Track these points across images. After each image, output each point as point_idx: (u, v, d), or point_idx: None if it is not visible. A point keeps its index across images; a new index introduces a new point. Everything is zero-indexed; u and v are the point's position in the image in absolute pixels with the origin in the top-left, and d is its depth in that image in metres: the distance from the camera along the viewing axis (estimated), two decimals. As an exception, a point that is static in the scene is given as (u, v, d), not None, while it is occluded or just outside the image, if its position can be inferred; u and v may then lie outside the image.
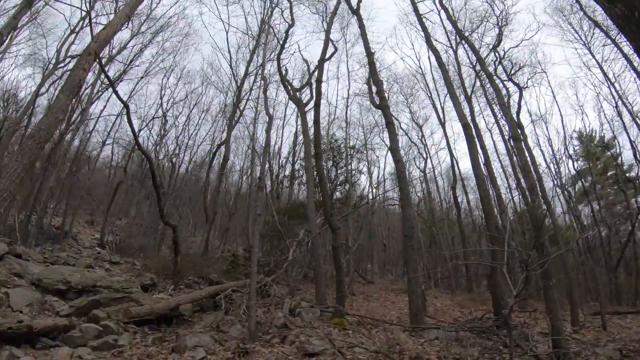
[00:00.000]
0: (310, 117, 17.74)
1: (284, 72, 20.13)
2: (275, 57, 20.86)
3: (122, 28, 25.58)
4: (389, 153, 35.68)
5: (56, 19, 66.93)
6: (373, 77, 15.73)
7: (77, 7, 22.73)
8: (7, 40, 25.41)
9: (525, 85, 22.26)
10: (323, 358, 8.50)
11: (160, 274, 18.07)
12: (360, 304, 16.52)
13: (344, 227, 23.48)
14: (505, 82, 21.87)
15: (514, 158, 21.88)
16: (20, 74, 42.38)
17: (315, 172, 16.68)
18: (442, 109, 28.95)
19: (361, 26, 16.21)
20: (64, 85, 6.31)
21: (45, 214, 25.97)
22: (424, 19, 17.85)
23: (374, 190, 32.72)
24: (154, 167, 18.04)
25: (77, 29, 26.82)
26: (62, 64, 26.14)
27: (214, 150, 31.62)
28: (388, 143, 25.93)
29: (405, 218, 12.88)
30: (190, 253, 21.52)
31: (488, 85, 22.56)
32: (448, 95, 25.48)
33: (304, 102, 19.45)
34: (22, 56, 39.56)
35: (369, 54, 15.58)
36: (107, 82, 26.32)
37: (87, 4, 21.35)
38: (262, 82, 22.50)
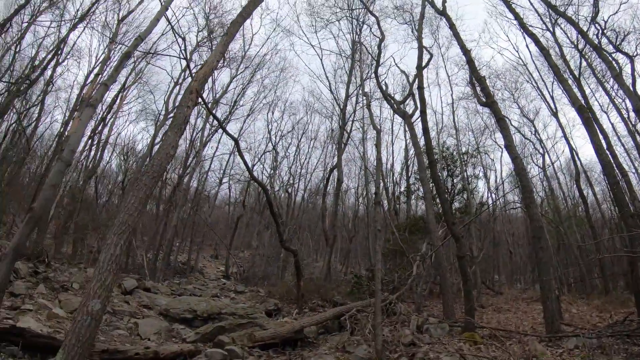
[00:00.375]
0: (417, 127, 17.12)
1: (384, 87, 19.68)
2: (373, 73, 20.54)
3: (218, 66, 27.12)
4: (504, 154, 33.62)
5: (159, 76, 72.66)
6: (474, 74, 14.74)
7: (176, 57, 24.08)
8: (117, 101, 27.71)
9: (635, 53, 19.53)
10: None
11: (284, 299, 18.04)
12: (490, 316, 15.20)
13: (467, 237, 22.18)
14: (613, 54, 19.32)
15: (638, 138, 19.59)
16: (135, 128, 46.13)
17: (431, 182, 15.89)
18: (552, 97, 26.43)
19: (452, 26, 15.33)
20: (172, 123, 6.46)
21: (171, 251, 27.34)
22: (513, 5, 16.54)
23: (493, 195, 30.87)
24: (270, 196, 18.31)
25: (179, 80, 28.72)
26: (170, 114, 27.78)
27: (327, 176, 31.68)
28: (501, 143, 24.51)
29: (531, 217, 11.62)
30: (313, 277, 21.38)
31: (595, 63, 20.68)
32: (555, 81, 23.29)
33: (409, 113, 18.83)
34: (135, 112, 43.06)
35: (466, 51, 14.61)
36: (217, 125, 27.70)
37: (185, 54, 22.54)
38: (364, 98, 22.25)
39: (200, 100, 16.38)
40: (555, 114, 26.06)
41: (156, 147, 28.14)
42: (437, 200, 18.24)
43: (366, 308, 12.49)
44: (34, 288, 12.79)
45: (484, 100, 14.11)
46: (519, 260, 31.72)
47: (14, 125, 25.94)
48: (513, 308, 17.08)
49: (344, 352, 9.94)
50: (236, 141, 15.68)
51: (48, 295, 12.52)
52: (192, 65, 23.53)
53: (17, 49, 19.36)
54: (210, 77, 29.12)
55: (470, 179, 25.71)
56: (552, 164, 30.25)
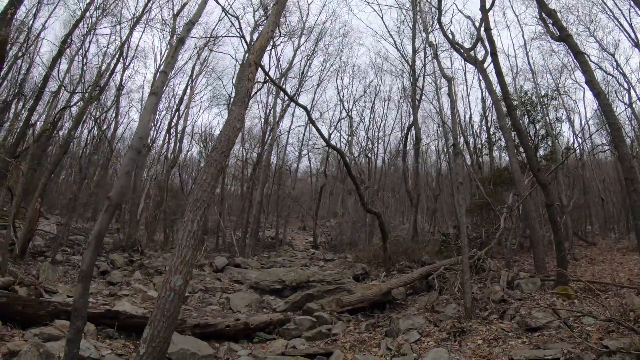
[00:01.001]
0: (491, 75, 16.17)
1: (450, 36, 18.73)
2: (437, 22, 19.59)
3: (278, 39, 27.14)
4: (587, 94, 31.07)
5: (224, 62, 74.09)
6: (544, 9, 13.47)
7: (235, 36, 24.31)
8: (188, 92, 28.53)
9: None
10: (547, 332, 7.18)
11: (372, 263, 18.02)
12: (583, 269, 14.34)
13: (555, 186, 20.95)
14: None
15: None
16: (209, 115, 47.48)
17: (512, 129, 15.07)
18: (631, 26, 23.75)
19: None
20: (235, 97, 6.50)
21: (259, 227, 28.02)
22: None
23: (579, 139, 28.84)
24: (346, 159, 18.30)
25: (243, 62, 28.82)
26: (239, 94, 28.28)
27: (404, 135, 31.02)
28: (581, 81, 22.68)
29: (622, 158, 10.64)
30: (399, 239, 21.15)
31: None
32: (633, 7, 21.10)
33: (480, 60, 17.86)
34: (207, 100, 44.31)
35: (531, -17, 13.53)
36: (288, 99, 27.84)
37: (241, 33, 22.65)
38: (430, 48, 21.31)
39: (263, 73, 16.81)
40: (637, 44, 23.58)
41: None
42: (520, 148, 17.32)
43: (454, 266, 12.15)
44: (130, 275, 13.62)
45: (557, 35, 13.01)
46: (611, 208, 29.57)
47: (92, 130, 27.66)
48: (607, 259, 16.04)
49: (433, 312, 9.78)
50: (306, 110, 15.80)
51: (143, 280, 13.29)
52: (251, 44, 23.72)
53: (85, 61, 20.50)
54: (274, 54, 29.54)
55: (553, 123, 24.15)
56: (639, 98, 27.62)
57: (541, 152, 22.44)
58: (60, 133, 23.93)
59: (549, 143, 22.94)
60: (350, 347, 8.34)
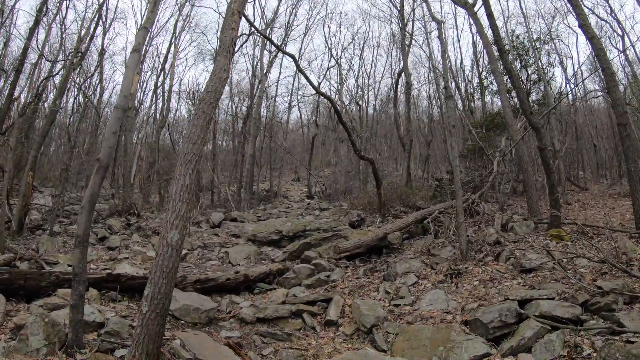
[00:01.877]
0: (483, 19, 15.81)
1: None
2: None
3: None
4: (580, 39, 30.64)
5: (208, 16, 72.29)
6: None
7: None
8: (172, 49, 27.86)
9: None
10: (541, 273, 7.33)
11: (367, 210, 18.15)
12: (576, 213, 14.48)
13: (548, 131, 20.93)
14: None
15: None
16: (196, 72, 46.73)
17: (504, 72, 14.91)
18: None
19: None
20: (219, 47, 6.34)
21: (252, 180, 28.08)
22: None
23: (571, 84, 28.58)
24: (336, 106, 18.17)
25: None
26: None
27: (395, 81, 30.64)
28: (575, 26, 22.27)
29: (614, 103, 10.57)
30: (394, 185, 21.26)
31: None
32: None
33: (470, 2, 17.45)
34: (192, 57, 43.32)
35: None
36: (275, 50, 27.32)
37: None
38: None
39: (248, 25, 16.44)
40: (631, -12, 23.06)
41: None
42: (512, 92, 17.20)
43: (448, 210, 12.31)
44: (128, 239, 13.70)
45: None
46: (604, 154, 29.58)
47: (77, 98, 27.20)
48: (600, 204, 16.20)
49: (429, 255, 9.93)
50: (294, 58, 15.68)
51: (142, 242, 13.38)
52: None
53: (64, 29, 19.97)
54: (259, 4, 28.80)
55: (545, 68, 23.85)
56: (633, 45, 27.10)
57: (533, 96, 22.27)
58: (46, 104, 23.53)
59: (541, 88, 22.73)
60: (350, 292, 8.52)
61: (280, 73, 37.67)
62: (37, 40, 17.46)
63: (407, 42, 26.39)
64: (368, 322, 6.69)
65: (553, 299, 5.97)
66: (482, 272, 8.02)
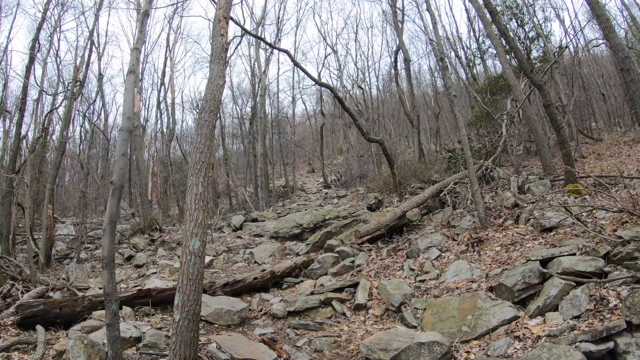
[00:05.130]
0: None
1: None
2: None
3: None
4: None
5: (199, 24, 72.31)
6: None
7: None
8: (168, 63, 28.06)
9: None
10: (562, 230, 7.33)
11: (384, 191, 18.12)
12: (592, 165, 14.36)
13: (553, 86, 20.66)
14: None
15: None
16: (195, 80, 46.95)
17: (499, 33, 14.79)
18: None
19: None
20: (211, 55, 6.42)
21: (268, 179, 28.18)
22: None
23: (571, 36, 28.08)
24: (337, 93, 18.19)
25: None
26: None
27: (393, 58, 30.48)
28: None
29: (614, 49, 10.46)
30: (407, 163, 21.22)
31: None
32: None
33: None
34: (190, 67, 43.55)
35: None
36: (267, 47, 27.28)
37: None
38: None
39: (239, 27, 16.48)
40: None
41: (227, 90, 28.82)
42: (512, 53, 17.06)
43: (463, 180, 12.25)
44: (154, 254, 13.91)
45: None
46: (614, 102, 29.13)
47: (84, 125, 27.60)
48: (615, 153, 16.07)
49: (449, 227, 10.00)
50: (288, 53, 15.67)
51: (167, 256, 13.57)
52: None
53: (59, 61, 20.35)
54: (246, 5, 28.77)
55: (542, 24, 23.48)
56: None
57: (535, 53, 22.01)
58: (53, 137, 23.94)
59: (541, 44, 22.46)
60: (375, 274, 8.63)
61: (279, 69, 37.77)
62: (34, 77, 17.75)
63: (399, 19, 26.18)
64: (396, 301, 6.80)
65: (574, 254, 6.00)
66: (503, 236, 8.06)
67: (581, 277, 5.46)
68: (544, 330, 4.84)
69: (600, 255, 5.79)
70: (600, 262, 5.63)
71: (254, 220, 17.75)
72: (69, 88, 16.72)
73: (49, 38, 18.68)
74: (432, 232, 9.97)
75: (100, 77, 25.09)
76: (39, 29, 15.47)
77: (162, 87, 28.80)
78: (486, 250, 7.72)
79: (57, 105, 18.57)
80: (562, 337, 4.51)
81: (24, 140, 16.20)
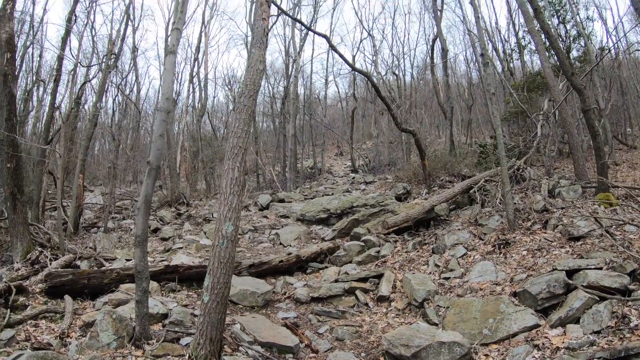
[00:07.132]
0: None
1: None
2: None
3: None
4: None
5: (235, 1, 72.05)
6: None
7: None
8: (203, 39, 28.13)
9: None
10: (590, 241, 7.21)
11: (412, 181, 18.12)
12: (625, 174, 14.01)
13: (591, 88, 20.00)
14: None
15: None
16: (229, 57, 47.00)
17: (542, 32, 14.47)
18: None
19: None
20: (252, 39, 6.48)
21: (296, 159, 28.30)
22: None
23: (613, 37, 27.11)
24: (373, 81, 18.08)
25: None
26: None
27: (430, 47, 30.06)
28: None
29: None
30: (437, 154, 21.06)
31: None
32: None
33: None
34: (224, 43, 43.59)
35: None
36: (305, 28, 27.14)
37: None
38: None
39: (276, 8, 16.45)
40: None
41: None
42: (551, 50, 16.69)
43: (494, 177, 12.15)
44: (180, 228, 14.25)
45: None
46: None
47: (117, 97, 28.00)
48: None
49: (477, 225, 9.99)
50: (326, 37, 15.57)
51: (194, 231, 13.88)
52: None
53: (94, 33, 20.58)
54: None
55: (584, 22, 22.80)
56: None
57: (574, 53, 21.46)
58: (86, 107, 24.48)
59: (582, 44, 21.85)
60: (400, 266, 8.73)
61: (313, 50, 37.63)
62: (70, 48, 18.10)
63: (439, 7, 25.77)
64: (419, 297, 6.89)
65: (601, 268, 5.95)
66: (530, 241, 8.02)
67: (605, 292, 5.43)
68: (563, 342, 4.86)
69: (626, 272, 5.72)
70: (626, 279, 5.58)
71: (281, 200, 17.94)
72: (104, 60, 17.02)
73: (86, 11, 18.98)
74: (459, 229, 9.97)
75: (134, 50, 25.43)
76: (76, 1, 15.68)
77: (196, 62, 28.93)
78: (512, 254, 7.71)
79: (91, 77, 19.02)
80: (580, 352, 4.53)
81: (58, 110, 16.58)
